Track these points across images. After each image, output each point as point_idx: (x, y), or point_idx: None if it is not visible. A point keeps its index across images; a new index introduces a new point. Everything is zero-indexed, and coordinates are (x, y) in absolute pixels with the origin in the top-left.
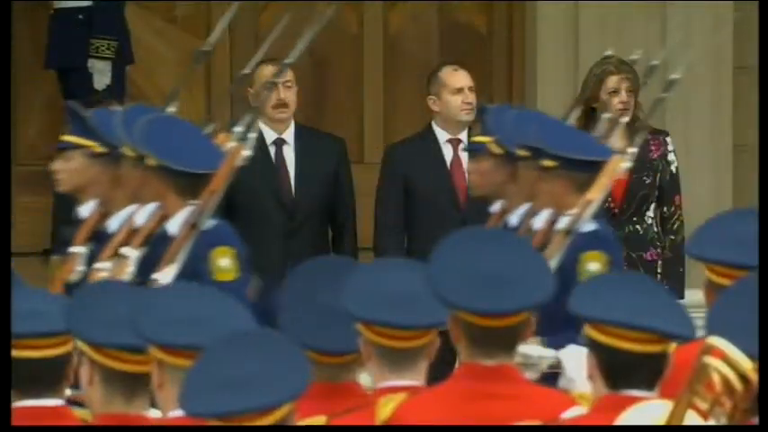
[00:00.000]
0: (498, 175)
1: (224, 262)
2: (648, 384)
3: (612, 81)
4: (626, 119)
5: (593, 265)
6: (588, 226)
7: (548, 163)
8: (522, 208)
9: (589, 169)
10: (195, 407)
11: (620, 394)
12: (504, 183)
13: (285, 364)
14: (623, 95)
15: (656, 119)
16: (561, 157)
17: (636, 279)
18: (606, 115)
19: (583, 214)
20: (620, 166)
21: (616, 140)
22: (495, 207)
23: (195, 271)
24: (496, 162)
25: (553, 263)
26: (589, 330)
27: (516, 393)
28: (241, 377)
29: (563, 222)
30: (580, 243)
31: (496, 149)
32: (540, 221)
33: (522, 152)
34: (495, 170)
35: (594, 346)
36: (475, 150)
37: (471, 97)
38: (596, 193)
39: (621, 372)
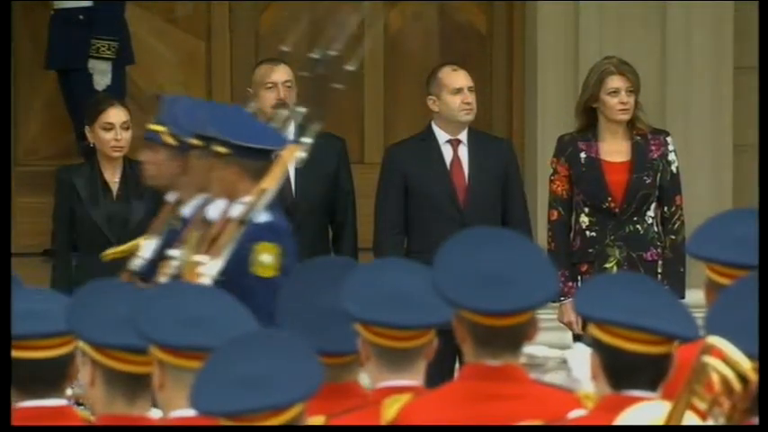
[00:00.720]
0: (172, 166)
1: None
2: (652, 385)
3: (613, 81)
4: (626, 118)
5: (266, 256)
6: (263, 216)
7: (220, 149)
8: (198, 199)
9: (262, 157)
10: (206, 405)
11: (623, 394)
12: (179, 173)
13: (298, 363)
14: (623, 96)
15: (657, 119)
16: (233, 144)
17: (639, 280)
18: (280, 112)
19: (257, 203)
20: (294, 155)
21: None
22: (170, 197)
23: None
24: (171, 152)
25: (226, 252)
26: (593, 330)
27: (522, 393)
28: (253, 376)
29: (236, 211)
30: (253, 233)
31: (170, 140)
32: (214, 211)
33: (194, 141)
34: (170, 161)
35: (598, 347)
36: (150, 140)
37: (471, 97)
38: (270, 183)
39: (625, 372)
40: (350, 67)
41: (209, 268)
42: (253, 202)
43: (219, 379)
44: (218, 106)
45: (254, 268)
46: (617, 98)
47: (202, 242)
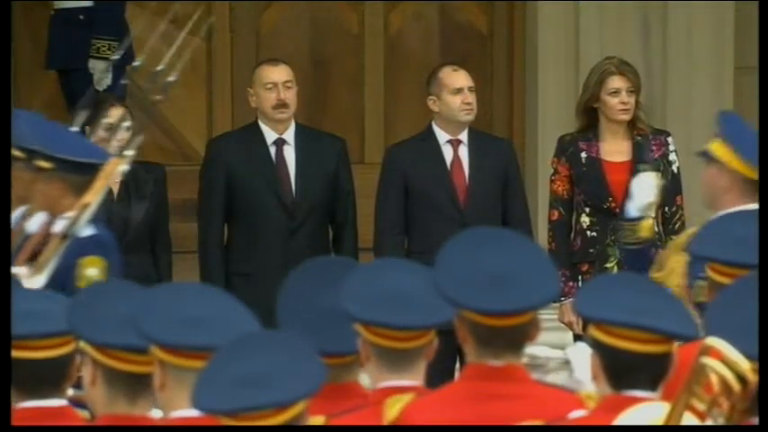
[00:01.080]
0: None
1: (92, 271)
2: (652, 384)
3: (613, 81)
4: (626, 118)
5: (92, 270)
6: (87, 230)
7: (43, 164)
8: (18, 210)
9: (85, 172)
10: (207, 403)
11: (623, 395)
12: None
13: (299, 362)
14: (624, 96)
15: (658, 119)
16: (56, 158)
17: (639, 279)
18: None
19: (80, 218)
20: (117, 168)
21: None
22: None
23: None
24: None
25: (49, 267)
26: (593, 331)
27: (524, 393)
28: (254, 374)
29: (59, 226)
30: (78, 248)
31: (17, 153)
32: (35, 224)
33: (17, 153)
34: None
35: (598, 347)
36: None
37: (471, 97)
38: (92, 197)
39: (624, 372)
40: (171, 79)
41: (32, 283)
42: (75, 217)
43: (221, 378)
44: (39, 118)
45: (80, 282)
46: (617, 98)
47: (19, 253)
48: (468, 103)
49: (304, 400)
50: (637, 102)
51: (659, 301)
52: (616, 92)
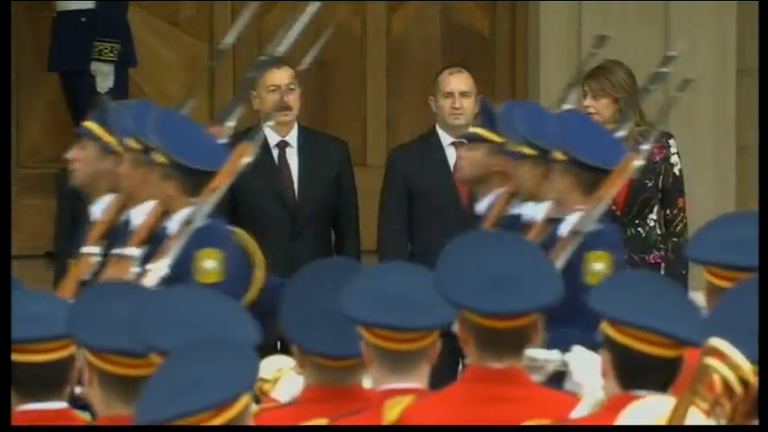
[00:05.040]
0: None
1: (208, 264)
2: (661, 387)
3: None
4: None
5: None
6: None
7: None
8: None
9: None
10: (144, 416)
11: (631, 394)
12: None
13: (231, 363)
14: (589, 100)
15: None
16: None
17: (657, 279)
18: None
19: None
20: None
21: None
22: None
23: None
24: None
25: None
26: (607, 328)
27: (524, 396)
28: (187, 381)
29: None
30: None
31: (133, 144)
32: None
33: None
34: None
35: (611, 345)
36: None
37: (461, 102)
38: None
39: (635, 372)
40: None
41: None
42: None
43: (157, 390)
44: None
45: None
46: (586, 102)
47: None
48: (456, 108)
49: (234, 400)
50: (617, 103)
51: (677, 305)
52: (585, 96)
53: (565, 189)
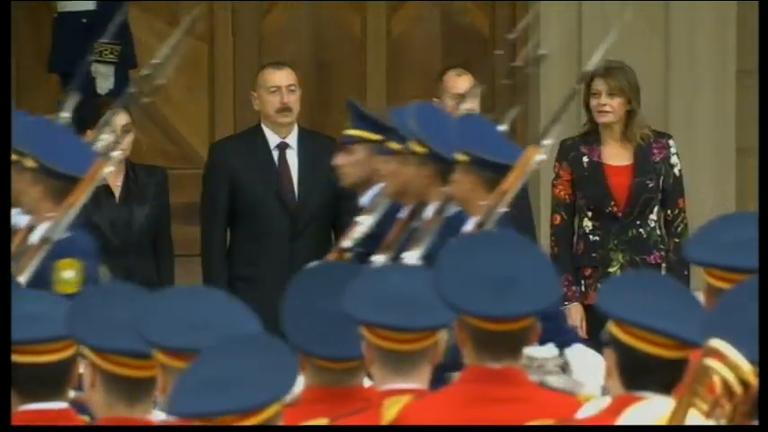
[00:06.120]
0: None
1: (67, 274)
2: (664, 388)
3: (595, 84)
4: (605, 120)
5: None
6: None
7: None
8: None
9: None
10: (178, 408)
11: (635, 395)
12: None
13: (272, 365)
14: (603, 98)
15: (660, 122)
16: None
17: (666, 281)
18: None
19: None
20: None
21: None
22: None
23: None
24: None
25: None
26: (613, 328)
27: (523, 396)
28: (226, 378)
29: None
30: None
31: (417, 148)
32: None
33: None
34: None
35: (616, 345)
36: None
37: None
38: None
39: (639, 373)
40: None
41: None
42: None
43: (194, 382)
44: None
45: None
46: (597, 100)
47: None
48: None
49: (272, 404)
50: (630, 104)
51: (683, 307)
52: (596, 94)
53: (469, 188)
